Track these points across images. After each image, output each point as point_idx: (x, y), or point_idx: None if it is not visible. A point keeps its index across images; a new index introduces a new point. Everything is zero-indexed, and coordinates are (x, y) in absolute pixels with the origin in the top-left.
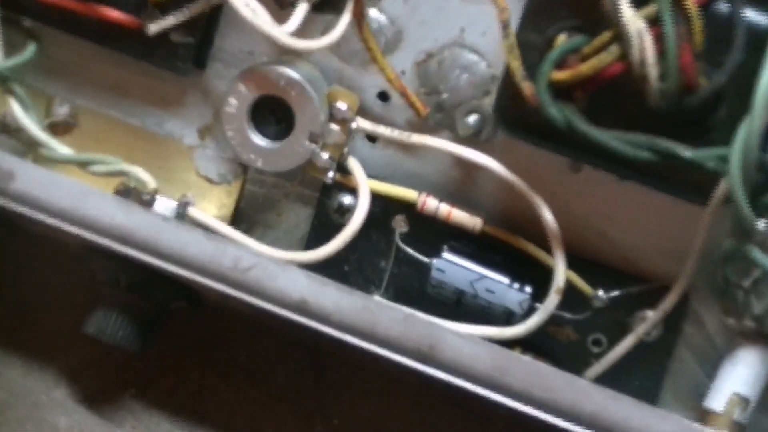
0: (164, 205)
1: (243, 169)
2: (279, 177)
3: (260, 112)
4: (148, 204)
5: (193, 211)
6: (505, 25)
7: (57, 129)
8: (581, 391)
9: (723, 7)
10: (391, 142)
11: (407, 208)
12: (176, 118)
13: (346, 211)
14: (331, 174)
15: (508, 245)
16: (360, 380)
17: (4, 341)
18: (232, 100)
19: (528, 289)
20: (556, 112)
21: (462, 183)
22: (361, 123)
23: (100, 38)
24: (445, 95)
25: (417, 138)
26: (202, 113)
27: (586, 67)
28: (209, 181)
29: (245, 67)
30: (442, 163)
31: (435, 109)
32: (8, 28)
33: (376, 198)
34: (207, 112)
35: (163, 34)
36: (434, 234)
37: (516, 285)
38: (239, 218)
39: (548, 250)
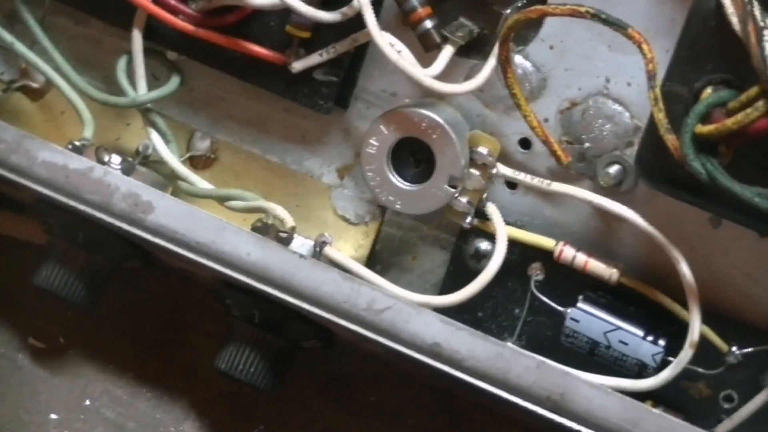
0: (301, 243)
1: (381, 210)
2: (416, 220)
3: (400, 154)
4: (285, 241)
5: (329, 251)
6: (651, 76)
7: (197, 163)
8: None
9: None
10: (530, 190)
11: (544, 256)
12: (316, 156)
13: (483, 257)
14: (469, 219)
15: (644, 297)
16: (494, 427)
17: (136, 372)
18: (373, 141)
19: (662, 342)
20: (700, 165)
21: (600, 233)
22: (502, 169)
23: (243, 73)
24: (587, 144)
25: (557, 186)
26: (342, 152)
27: (731, 122)
28: (347, 221)
29: (387, 108)
30: (581, 212)
31: (577, 158)
32: (152, 60)
33: (514, 245)
34: (347, 151)
35: (307, 72)
36: (570, 283)
37: (650, 338)
38: (375, 259)
39: (684, 304)
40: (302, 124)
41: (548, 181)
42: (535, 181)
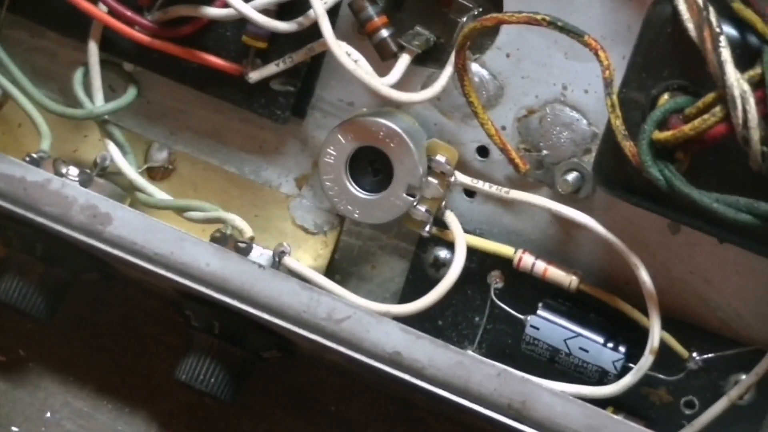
0: (260, 253)
1: (339, 220)
2: (375, 229)
3: (358, 164)
4: (244, 252)
5: (288, 261)
6: (608, 83)
7: (155, 174)
8: None
9: None
10: (489, 198)
11: (503, 264)
12: (274, 166)
13: (442, 266)
14: (428, 228)
15: (603, 304)
16: None
17: (97, 384)
18: (331, 150)
19: (622, 348)
20: (657, 172)
21: (559, 240)
22: (460, 177)
23: (200, 84)
24: (545, 152)
25: (516, 194)
26: (300, 162)
27: (689, 128)
28: (305, 230)
29: (345, 118)
30: (540, 220)
31: (535, 166)
32: (109, 72)
33: (473, 253)
34: (305, 161)
35: (264, 82)
36: (530, 291)
37: (610, 344)
38: (334, 269)
39: (644, 310)
40: (260, 135)
41: (506, 189)
42: (494, 189)
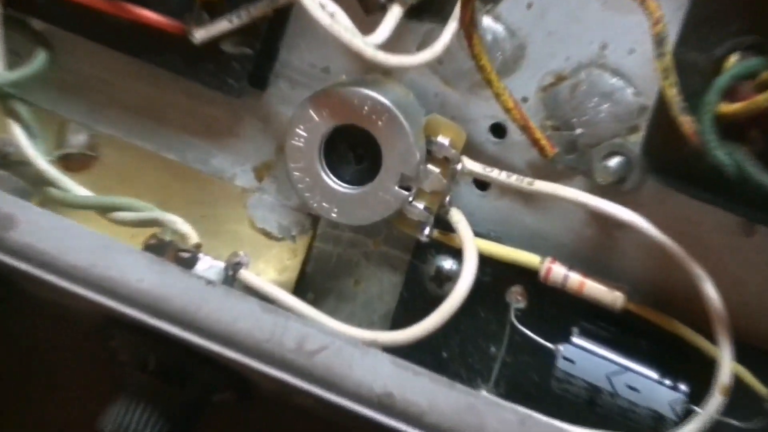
0: (209, 265)
1: (312, 221)
2: (359, 233)
3: (337, 148)
4: (187, 263)
5: (245, 275)
6: (659, 41)
7: (71, 163)
8: None
9: None
10: (506, 191)
11: (526, 277)
12: (226, 152)
13: (446, 280)
14: (427, 231)
15: (657, 328)
16: None
17: None
18: (301, 131)
19: (683, 386)
20: (725, 155)
21: (599, 246)
22: (469, 164)
23: (130, 47)
24: (579, 130)
25: (541, 185)
26: (261, 147)
27: (763, 99)
28: (268, 235)
29: (318, 88)
30: (573, 218)
31: (565, 149)
32: (13, 32)
33: (486, 263)
34: (267, 145)
35: (213, 44)
36: (561, 312)
37: (667, 381)
38: (306, 285)
39: (710, 335)
40: (208, 111)
41: (529, 179)
42: (512, 179)
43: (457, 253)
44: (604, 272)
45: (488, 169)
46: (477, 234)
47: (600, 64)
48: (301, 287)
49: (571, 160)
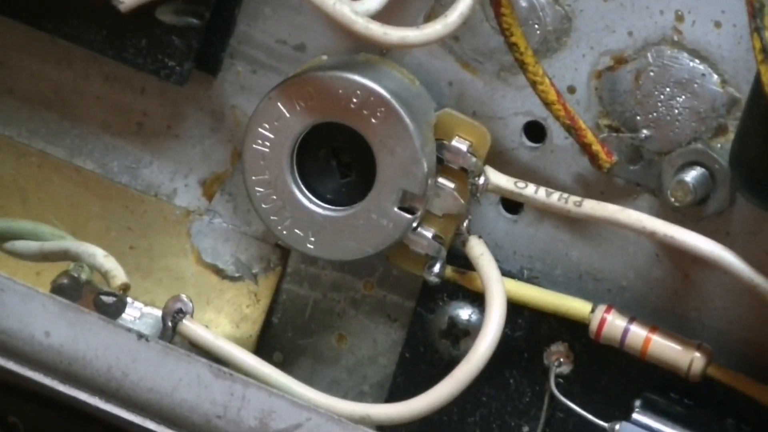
0: (140, 313)
1: (280, 255)
2: (344, 271)
3: (315, 154)
4: (111, 311)
5: (190, 327)
6: (756, 10)
7: None
8: None
9: None
10: (546, 214)
11: (572, 331)
12: (164, 160)
13: (463, 335)
14: (437, 268)
15: (748, 401)
16: None
17: None
18: (266, 132)
19: None
20: None
21: (670, 289)
22: (494, 178)
23: (34, 17)
24: (645, 132)
25: (593, 207)
26: (210, 153)
27: None
28: (220, 273)
29: (289, 73)
30: (636, 252)
31: (627, 157)
32: None
33: (518, 312)
34: (219, 151)
35: (146, 13)
36: (618, 379)
37: None
38: (272, 342)
39: None
40: (138, 104)
41: (577, 199)
42: (554, 198)
43: (477, 299)
44: (678, 325)
45: (521, 184)
46: (505, 273)
47: (674, 41)
48: (265, 345)
49: (634, 173)
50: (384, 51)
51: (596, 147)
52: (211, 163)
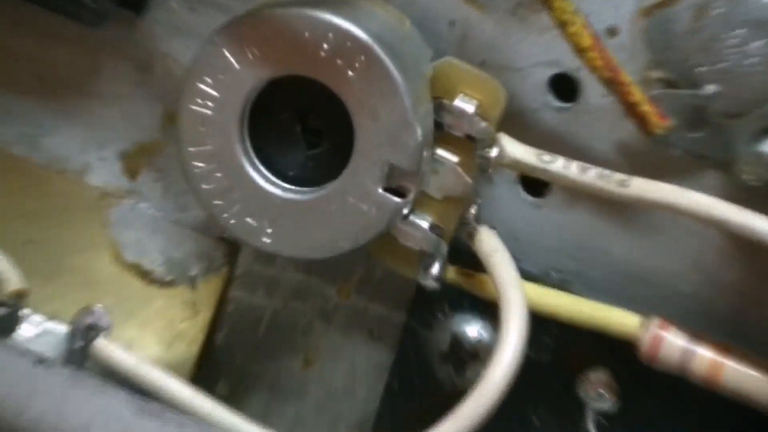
0: (41, 329)
1: (227, 251)
2: (312, 273)
3: (274, 118)
4: (2, 326)
5: (106, 348)
6: None
7: None
8: None
9: None
10: (579, 197)
11: (615, 352)
12: (73, 125)
13: (470, 358)
14: (436, 269)
15: None
16: None
17: None
18: (208, 88)
19: None
20: None
21: (747, 296)
22: (512, 149)
23: None
24: (710, 88)
25: (642, 187)
26: (134, 116)
27: None
28: (146, 276)
29: (239, 10)
30: (699, 247)
31: (686, 121)
32: None
33: (543, 328)
34: (146, 113)
35: None
36: (679, 417)
37: None
38: (215, 367)
39: None
40: (40, 52)
41: (621, 176)
42: (591, 175)
43: (489, 311)
44: (759, 344)
45: (547, 157)
46: (526, 275)
47: None
48: (206, 371)
49: (696, 142)
50: None
51: (645, 107)
52: (134, 129)
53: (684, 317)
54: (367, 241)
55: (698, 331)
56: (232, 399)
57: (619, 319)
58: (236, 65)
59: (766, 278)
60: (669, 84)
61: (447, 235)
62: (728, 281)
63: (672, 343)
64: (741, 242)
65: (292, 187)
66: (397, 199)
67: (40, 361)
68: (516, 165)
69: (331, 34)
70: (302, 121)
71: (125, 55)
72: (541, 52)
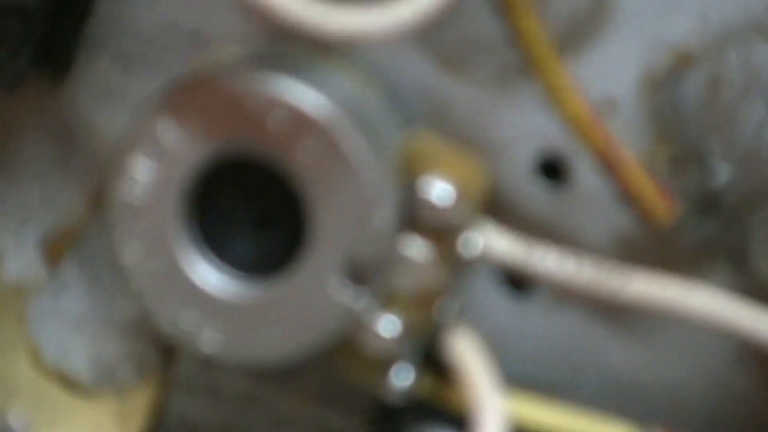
0: None
1: (162, 353)
2: (257, 379)
3: (218, 199)
4: None
5: None
6: None
7: None
8: None
9: None
10: (568, 295)
11: None
12: None
13: None
14: (404, 378)
15: None
16: None
17: None
18: (139, 166)
19: None
20: None
21: (757, 404)
22: (495, 239)
23: None
24: (724, 168)
25: (644, 289)
26: (56, 193)
27: None
28: (67, 382)
29: (178, 73)
30: (709, 352)
31: (696, 206)
32: None
33: None
34: (70, 190)
35: None
36: None
37: None
38: None
39: None
40: None
41: (621, 274)
42: (586, 273)
43: (462, 425)
44: None
45: (537, 250)
46: (509, 380)
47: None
48: None
49: (708, 228)
50: (324, 41)
51: (648, 193)
52: (56, 210)
53: (688, 428)
54: (324, 346)
55: None
56: None
57: None
58: (174, 140)
59: None
60: (676, 164)
61: (418, 339)
62: (738, 389)
63: None
64: (748, 350)
65: (238, 283)
66: (358, 297)
67: None
68: (500, 259)
69: (285, 103)
70: (250, 206)
71: (46, 125)
72: (527, 126)
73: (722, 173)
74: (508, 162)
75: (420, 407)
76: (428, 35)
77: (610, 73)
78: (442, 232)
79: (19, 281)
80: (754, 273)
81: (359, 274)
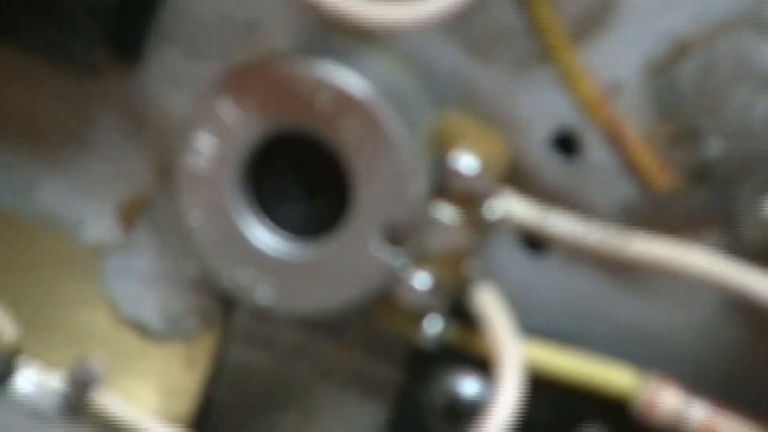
0: (34, 383)
1: (223, 307)
2: (309, 330)
3: (270, 171)
4: None
5: (102, 400)
6: None
7: None
8: None
9: None
10: (579, 255)
11: (612, 410)
12: (64, 178)
13: (467, 415)
14: (435, 328)
15: None
16: None
17: None
18: (205, 141)
19: None
20: None
21: (750, 356)
22: (515, 205)
23: None
24: (716, 143)
25: (645, 248)
26: (128, 168)
27: None
28: (142, 329)
29: (236, 59)
30: (701, 305)
31: (692, 176)
32: None
33: (541, 387)
34: (140, 165)
35: None
36: None
37: None
38: (210, 422)
39: None
40: (30, 101)
41: (624, 235)
42: (594, 234)
43: (486, 368)
44: (757, 400)
45: (551, 215)
46: (526, 329)
47: (759, 22)
48: (202, 428)
49: (701, 198)
50: (364, 32)
51: (650, 165)
52: (129, 181)
53: (681, 375)
54: (366, 299)
55: (698, 388)
56: None
57: (617, 377)
58: (233, 118)
59: (758, 334)
60: (674, 140)
61: (447, 293)
62: (727, 338)
63: (669, 400)
64: (736, 304)
65: (290, 244)
66: (395, 256)
67: (35, 414)
68: (520, 222)
69: (330, 85)
70: (300, 176)
71: (119, 106)
72: (544, 105)
73: (714, 148)
74: (526, 137)
75: (449, 353)
76: (457, 25)
77: (617, 60)
78: (468, 199)
79: (98, 243)
80: (742, 235)
81: (396, 236)
